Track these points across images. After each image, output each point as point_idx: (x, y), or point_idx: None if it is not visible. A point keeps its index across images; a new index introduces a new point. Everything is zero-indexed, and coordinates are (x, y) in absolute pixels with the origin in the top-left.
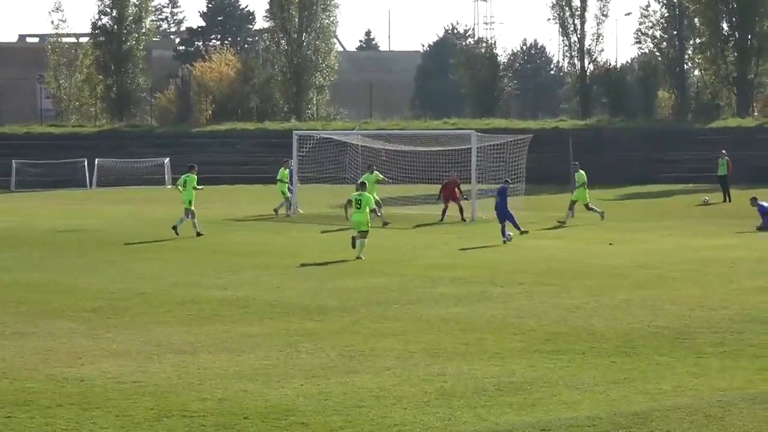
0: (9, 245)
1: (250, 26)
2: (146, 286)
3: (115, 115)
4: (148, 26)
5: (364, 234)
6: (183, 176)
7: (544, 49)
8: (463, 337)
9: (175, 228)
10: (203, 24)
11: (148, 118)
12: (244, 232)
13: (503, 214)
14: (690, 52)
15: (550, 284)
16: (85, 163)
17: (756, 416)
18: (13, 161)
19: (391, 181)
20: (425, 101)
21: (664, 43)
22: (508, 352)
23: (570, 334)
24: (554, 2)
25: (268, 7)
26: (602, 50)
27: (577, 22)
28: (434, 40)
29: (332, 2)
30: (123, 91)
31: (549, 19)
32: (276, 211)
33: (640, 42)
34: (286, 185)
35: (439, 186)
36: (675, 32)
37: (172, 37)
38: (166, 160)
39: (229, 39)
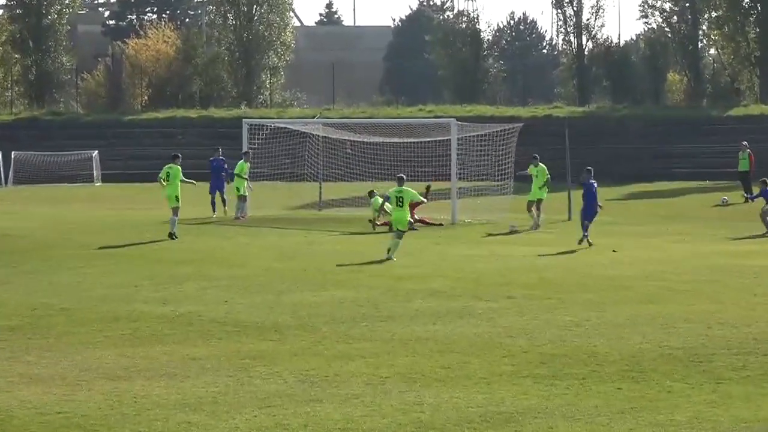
0: None
1: None
2: (73, 300)
3: (34, 100)
4: None
5: (401, 234)
6: (165, 168)
7: (535, 24)
8: (442, 359)
9: (171, 235)
10: None
11: (73, 104)
12: (187, 237)
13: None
14: (705, 27)
15: (543, 298)
16: (0, 157)
17: None
18: None
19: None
20: (397, 85)
21: (675, 17)
22: (495, 377)
23: (568, 356)
24: None
25: None
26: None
27: None
28: (407, 14)
29: None
30: (43, 72)
31: None
32: (240, 217)
33: (646, 16)
34: (245, 182)
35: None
36: (687, 4)
37: (100, 9)
38: (95, 153)
39: (168, 12)
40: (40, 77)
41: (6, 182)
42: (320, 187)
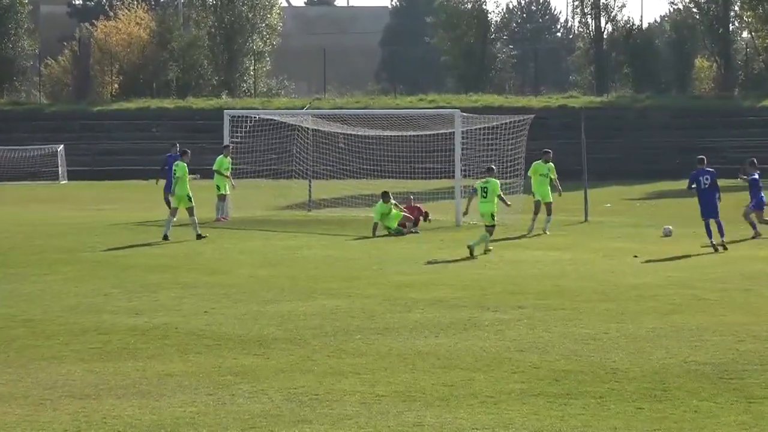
0: None
1: None
2: (36, 311)
3: None
4: None
5: (490, 229)
6: (174, 165)
7: (548, 4)
8: (445, 376)
9: (199, 236)
10: None
11: (35, 93)
12: (162, 241)
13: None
14: (737, 8)
15: (557, 308)
16: None
17: None
18: None
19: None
20: (395, 72)
21: None
22: (503, 395)
23: (584, 372)
24: None
25: None
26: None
27: None
28: None
29: None
30: (2, 58)
31: None
32: (220, 219)
33: None
34: (226, 180)
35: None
36: None
37: None
38: (60, 147)
39: None
40: None
41: None
42: (310, 186)
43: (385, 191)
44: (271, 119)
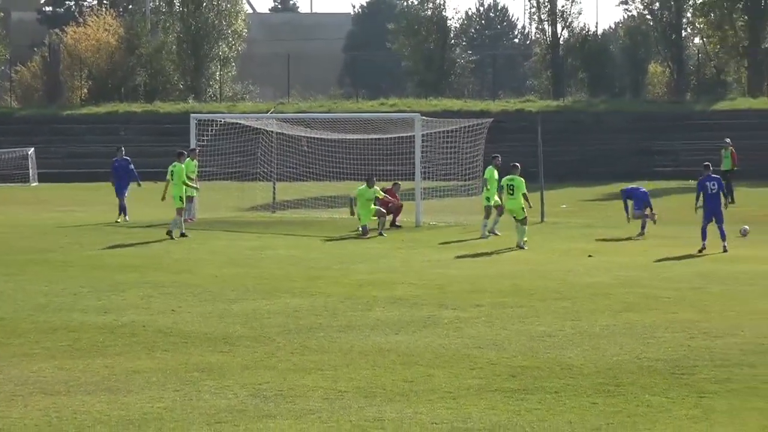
0: None
1: None
2: (6, 309)
3: None
4: None
5: (523, 221)
6: (170, 167)
7: (507, 11)
8: (405, 372)
9: (169, 233)
10: None
11: (6, 98)
12: (131, 242)
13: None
14: (689, 14)
15: (514, 306)
16: None
17: None
18: None
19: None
20: (357, 77)
21: (657, 4)
22: (462, 391)
23: (539, 368)
24: None
25: None
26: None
27: None
28: (367, 0)
29: None
30: None
31: None
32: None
33: (626, 2)
34: (194, 183)
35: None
36: None
37: None
38: (31, 150)
39: None
40: None
41: None
42: (274, 188)
43: (371, 174)
44: (237, 123)
